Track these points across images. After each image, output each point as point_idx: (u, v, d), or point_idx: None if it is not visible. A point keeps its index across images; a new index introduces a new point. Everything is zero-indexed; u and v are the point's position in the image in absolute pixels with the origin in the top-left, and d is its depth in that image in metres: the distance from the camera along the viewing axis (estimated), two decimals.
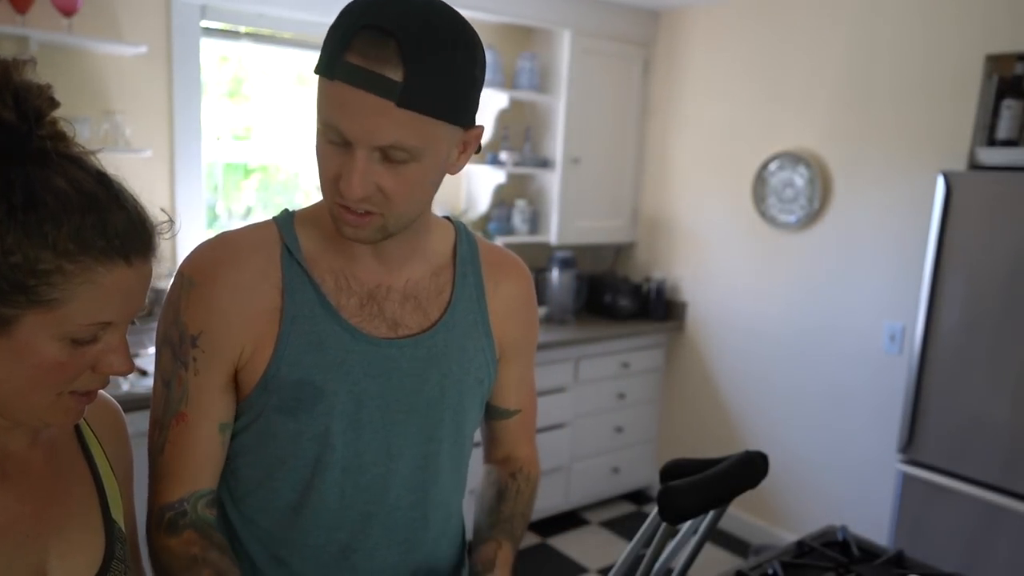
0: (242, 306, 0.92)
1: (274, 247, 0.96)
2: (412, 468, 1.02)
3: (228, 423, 0.97)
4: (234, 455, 1.00)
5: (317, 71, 0.84)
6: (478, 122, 0.92)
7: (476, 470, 1.16)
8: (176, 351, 0.93)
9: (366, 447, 0.98)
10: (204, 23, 2.80)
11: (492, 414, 1.17)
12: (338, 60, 0.80)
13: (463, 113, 0.86)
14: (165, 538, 0.94)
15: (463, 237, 1.07)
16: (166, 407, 0.95)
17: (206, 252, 0.95)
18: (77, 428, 0.85)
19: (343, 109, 0.81)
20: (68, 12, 2.37)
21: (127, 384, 2.29)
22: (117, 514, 0.85)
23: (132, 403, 1.86)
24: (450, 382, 1.02)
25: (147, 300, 0.76)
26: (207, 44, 2.87)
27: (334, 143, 0.84)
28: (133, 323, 0.76)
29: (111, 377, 0.77)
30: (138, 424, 1.04)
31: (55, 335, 0.69)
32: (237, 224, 3.25)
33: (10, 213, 0.65)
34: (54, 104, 0.71)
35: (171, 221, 0.78)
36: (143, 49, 2.57)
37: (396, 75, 0.79)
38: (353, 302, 0.96)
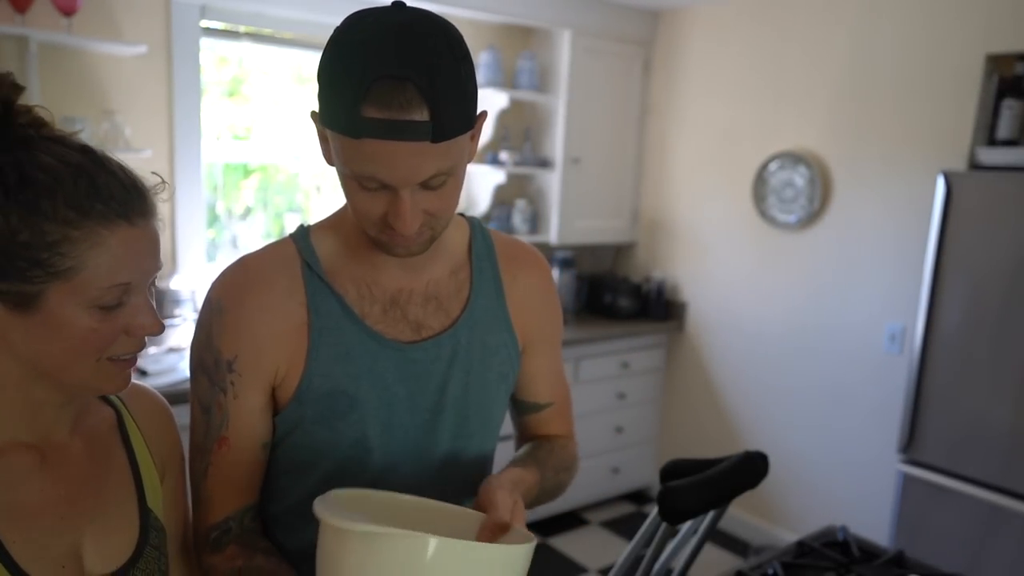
0: (272, 326, 0.93)
1: (294, 264, 0.97)
2: (440, 466, 1.03)
3: (269, 441, 0.98)
4: (270, 465, 1.01)
5: (331, 128, 0.82)
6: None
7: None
8: (212, 377, 0.94)
9: (399, 449, 1.00)
10: (204, 23, 2.80)
11: (524, 409, 1.16)
12: (357, 117, 0.79)
13: (475, 115, 0.88)
14: (210, 556, 0.96)
15: (477, 233, 1.08)
16: (207, 433, 0.95)
17: (231, 277, 0.96)
18: (119, 419, 0.88)
19: (378, 161, 0.81)
20: (68, 12, 2.37)
21: None
22: (154, 503, 0.88)
23: None
24: (474, 378, 1.03)
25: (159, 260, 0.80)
26: (207, 44, 2.86)
27: (371, 189, 0.85)
28: (153, 285, 0.79)
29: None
30: None
31: (81, 303, 0.72)
32: (237, 225, 3.24)
33: (7, 195, 0.69)
34: (18, 89, 0.73)
35: (164, 182, 0.81)
36: (143, 49, 2.57)
37: (423, 115, 0.79)
38: (376, 309, 0.98)
